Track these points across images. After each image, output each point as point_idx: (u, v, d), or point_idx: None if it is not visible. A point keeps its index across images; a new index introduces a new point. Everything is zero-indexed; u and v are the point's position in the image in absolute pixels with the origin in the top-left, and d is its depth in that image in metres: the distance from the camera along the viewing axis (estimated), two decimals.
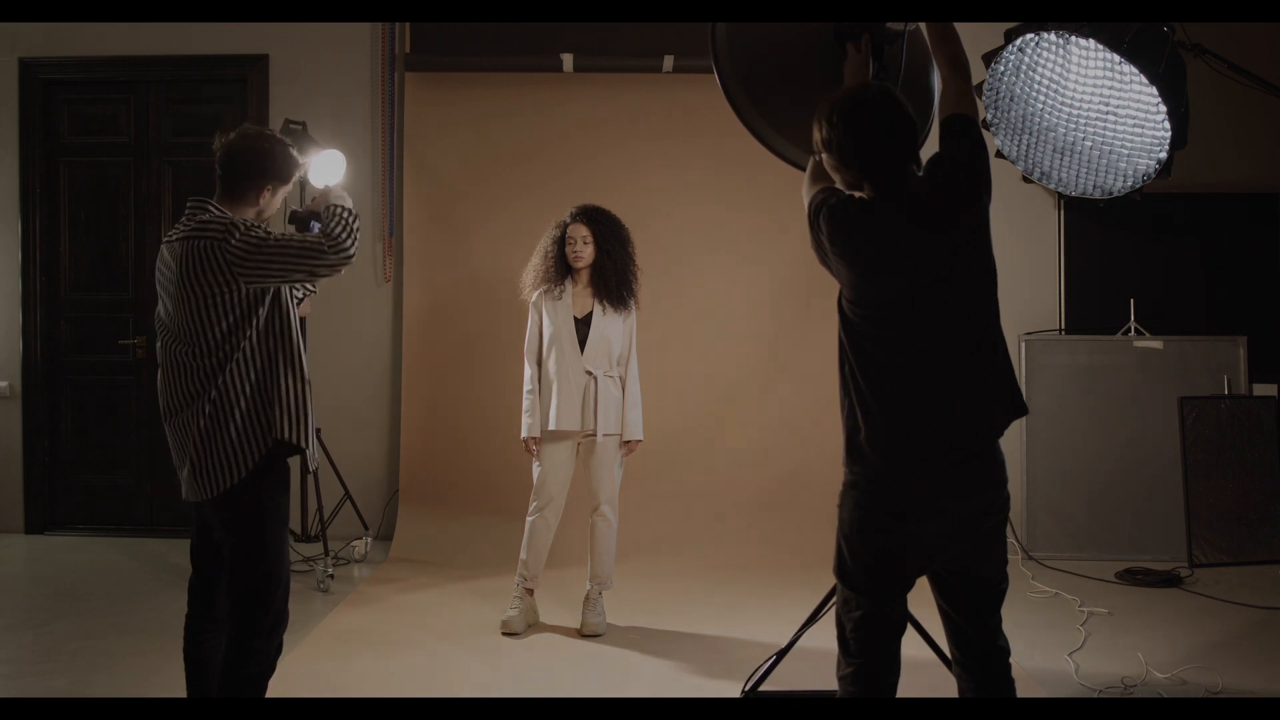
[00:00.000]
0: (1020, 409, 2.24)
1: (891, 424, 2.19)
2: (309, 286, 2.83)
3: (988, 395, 2.22)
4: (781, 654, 3.14)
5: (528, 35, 5.23)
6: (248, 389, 2.47)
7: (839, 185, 2.36)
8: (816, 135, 2.30)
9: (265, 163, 2.59)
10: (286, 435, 2.51)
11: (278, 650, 2.60)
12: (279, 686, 3.29)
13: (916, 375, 2.19)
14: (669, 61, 5.24)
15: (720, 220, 5.38)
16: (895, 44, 2.84)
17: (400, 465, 5.37)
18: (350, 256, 2.54)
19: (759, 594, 4.47)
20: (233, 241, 2.43)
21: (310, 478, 4.87)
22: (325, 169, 4.71)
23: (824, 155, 2.32)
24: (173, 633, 3.47)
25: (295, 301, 2.68)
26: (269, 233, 2.48)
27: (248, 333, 2.47)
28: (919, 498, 2.17)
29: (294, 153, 2.68)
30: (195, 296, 2.44)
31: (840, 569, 2.28)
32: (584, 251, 3.93)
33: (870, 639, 2.25)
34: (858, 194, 2.32)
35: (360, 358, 5.45)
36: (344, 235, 2.52)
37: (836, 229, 2.25)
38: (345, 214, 2.56)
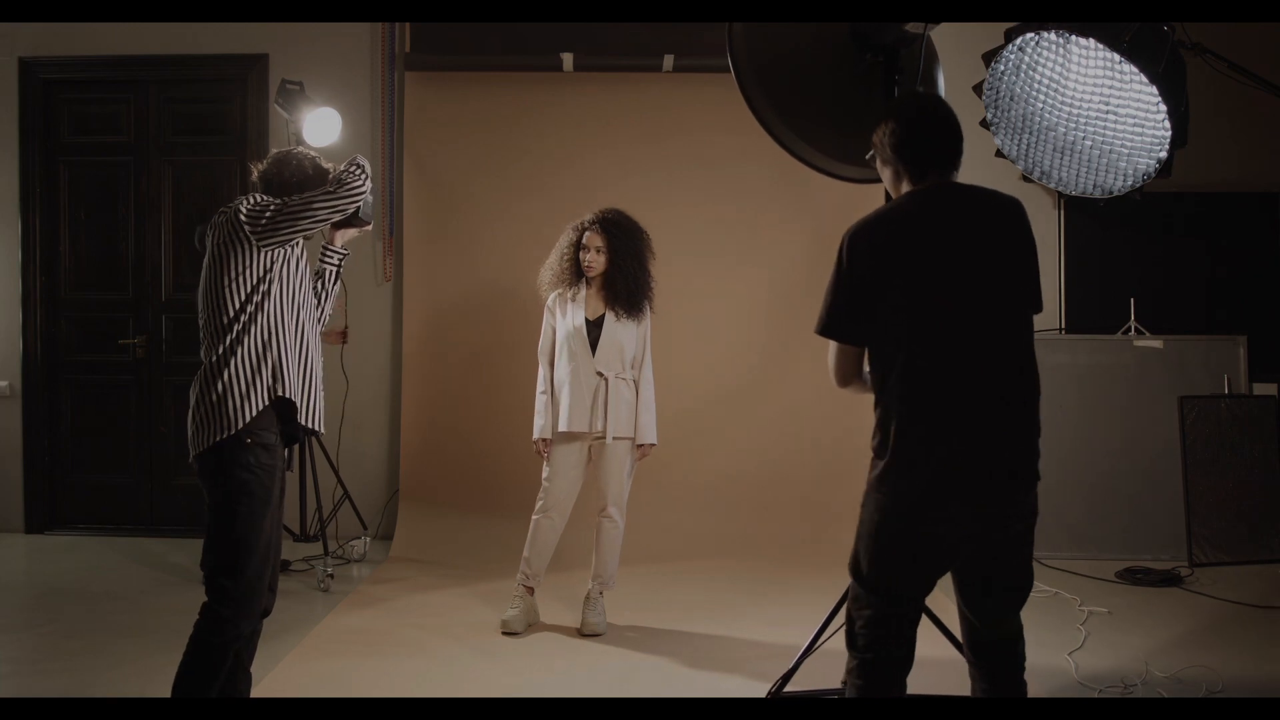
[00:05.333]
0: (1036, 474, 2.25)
1: (928, 429, 2.18)
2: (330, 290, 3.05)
3: (1028, 412, 2.22)
4: (790, 673, 3.12)
5: (528, 35, 5.24)
6: (256, 347, 2.64)
7: (887, 180, 2.40)
8: (876, 136, 2.39)
9: (300, 175, 2.81)
10: (288, 393, 2.66)
11: (254, 634, 2.72)
12: (279, 686, 3.30)
13: (952, 381, 2.18)
14: (669, 61, 5.24)
15: (720, 219, 5.38)
16: (912, 47, 2.84)
17: (400, 465, 5.37)
18: (360, 189, 2.72)
19: (761, 594, 4.47)
20: (243, 210, 2.67)
21: (310, 478, 4.87)
22: (320, 127, 4.75)
23: (875, 152, 2.39)
24: (174, 632, 3.47)
25: (319, 314, 2.95)
26: (283, 200, 2.70)
27: (256, 300, 2.65)
28: (944, 504, 2.16)
29: (325, 163, 2.88)
30: (216, 265, 2.66)
31: (855, 566, 2.28)
32: (596, 261, 3.92)
33: (879, 638, 2.25)
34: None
35: (360, 357, 5.45)
36: (348, 175, 2.73)
37: (867, 247, 2.25)
38: (353, 165, 2.75)
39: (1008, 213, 2.28)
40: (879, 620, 2.24)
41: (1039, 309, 2.29)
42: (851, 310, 2.26)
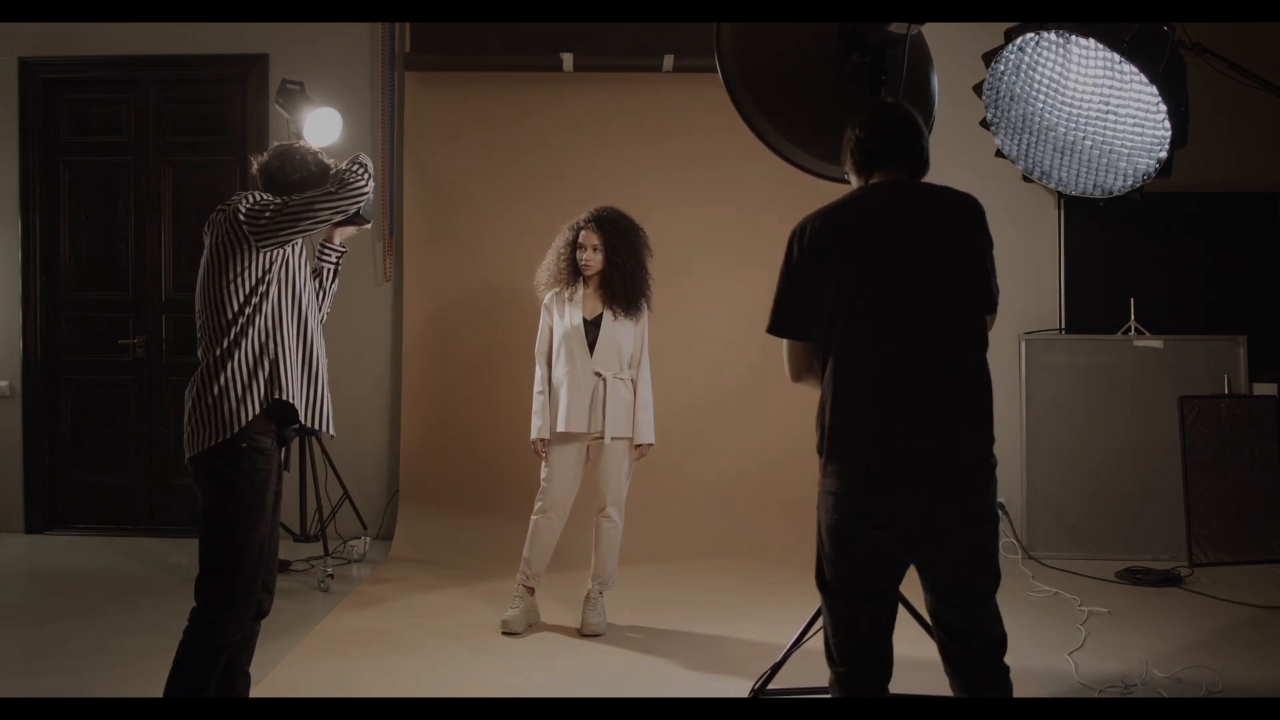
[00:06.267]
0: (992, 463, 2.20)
1: (865, 423, 2.15)
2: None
3: (973, 408, 2.17)
4: (778, 665, 3.13)
5: (528, 35, 5.24)
6: (255, 348, 2.59)
7: (853, 180, 2.41)
8: (846, 138, 2.39)
9: (303, 171, 2.76)
10: (287, 396, 2.61)
11: (252, 635, 2.71)
12: (279, 686, 3.30)
13: (895, 376, 2.15)
14: (669, 61, 5.24)
15: (720, 219, 5.38)
16: (897, 47, 2.84)
17: (400, 465, 5.37)
18: (363, 190, 2.66)
19: (761, 594, 4.47)
20: (242, 209, 2.60)
21: (310, 477, 4.88)
22: (320, 127, 4.75)
23: (844, 157, 2.39)
24: (174, 633, 3.46)
25: (320, 293, 2.90)
26: (283, 199, 2.63)
27: (255, 301, 2.59)
28: (893, 503, 2.13)
29: (327, 159, 2.82)
30: (214, 264, 2.61)
31: (819, 576, 2.26)
32: (593, 260, 3.92)
33: (852, 646, 2.22)
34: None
35: (360, 357, 5.45)
36: (350, 175, 2.66)
37: (806, 240, 2.26)
38: (355, 165, 2.69)
39: (959, 209, 2.24)
40: (849, 623, 2.21)
41: (991, 308, 2.25)
42: (794, 304, 2.26)
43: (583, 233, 3.94)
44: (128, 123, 5.58)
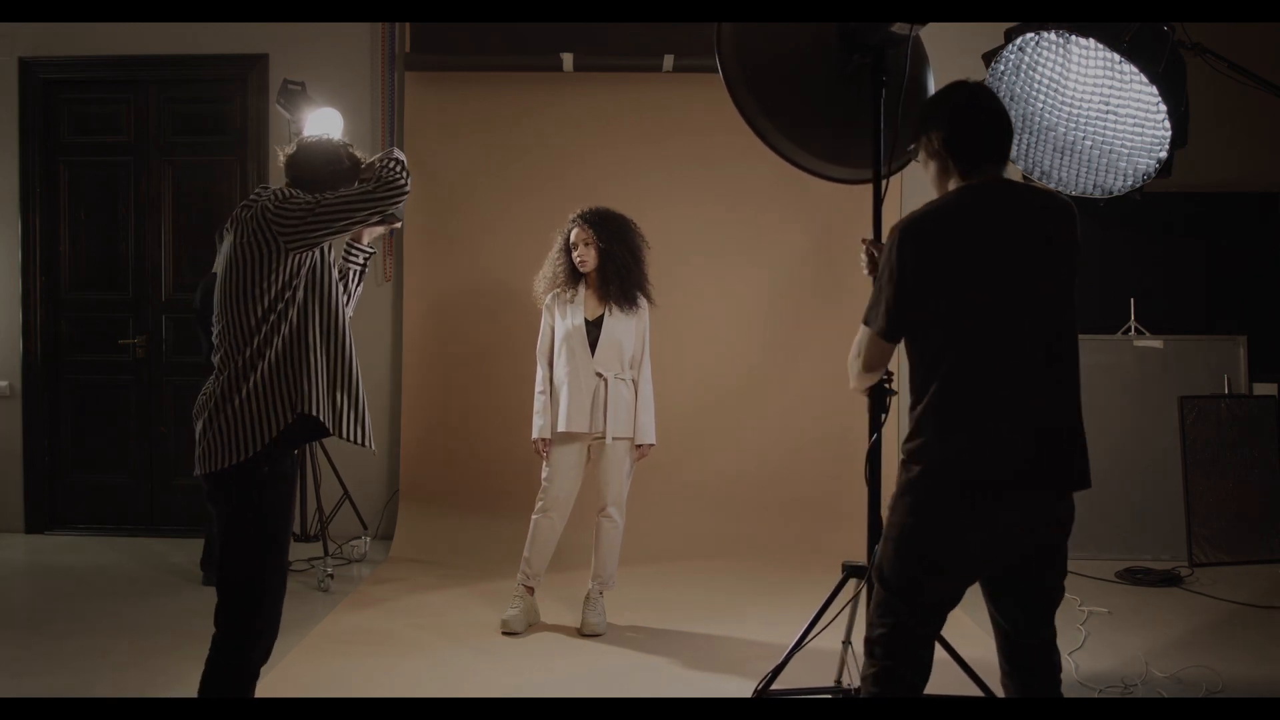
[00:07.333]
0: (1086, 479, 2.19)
1: (963, 432, 2.12)
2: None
3: (1077, 410, 2.17)
4: (780, 666, 3.12)
5: (528, 35, 5.24)
6: (279, 357, 2.41)
7: (931, 175, 2.29)
8: (922, 128, 2.28)
9: (336, 167, 2.58)
10: (314, 410, 2.43)
11: (263, 656, 2.53)
12: (279, 687, 3.30)
13: (998, 386, 2.12)
14: (669, 61, 5.24)
15: (720, 220, 5.38)
16: (899, 47, 2.84)
17: (400, 465, 5.37)
18: (403, 188, 2.48)
19: (761, 594, 4.47)
20: (271, 207, 2.41)
21: (309, 478, 4.87)
22: (321, 127, 4.76)
23: (921, 142, 2.28)
24: (174, 633, 3.46)
25: (345, 295, 2.71)
26: (316, 198, 2.44)
27: (280, 307, 2.42)
28: (979, 509, 2.10)
29: (358, 153, 2.66)
30: (239, 266, 2.41)
31: (881, 571, 2.23)
32: (587, 256, 3.92)
33: (899, 646, 2.21)
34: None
35: (360, 357, 5.42)
36: (389, 173, 2.48)
37: (918, 244, 2.17)
38: (391, 161, 2.53)
39: (1061, 216, 2.21)
40: (901, 628, 2.20)
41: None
42: (899, 306, 2.19)
43: (574, 231, 3.95)
44: (128, 123, 5.58)
